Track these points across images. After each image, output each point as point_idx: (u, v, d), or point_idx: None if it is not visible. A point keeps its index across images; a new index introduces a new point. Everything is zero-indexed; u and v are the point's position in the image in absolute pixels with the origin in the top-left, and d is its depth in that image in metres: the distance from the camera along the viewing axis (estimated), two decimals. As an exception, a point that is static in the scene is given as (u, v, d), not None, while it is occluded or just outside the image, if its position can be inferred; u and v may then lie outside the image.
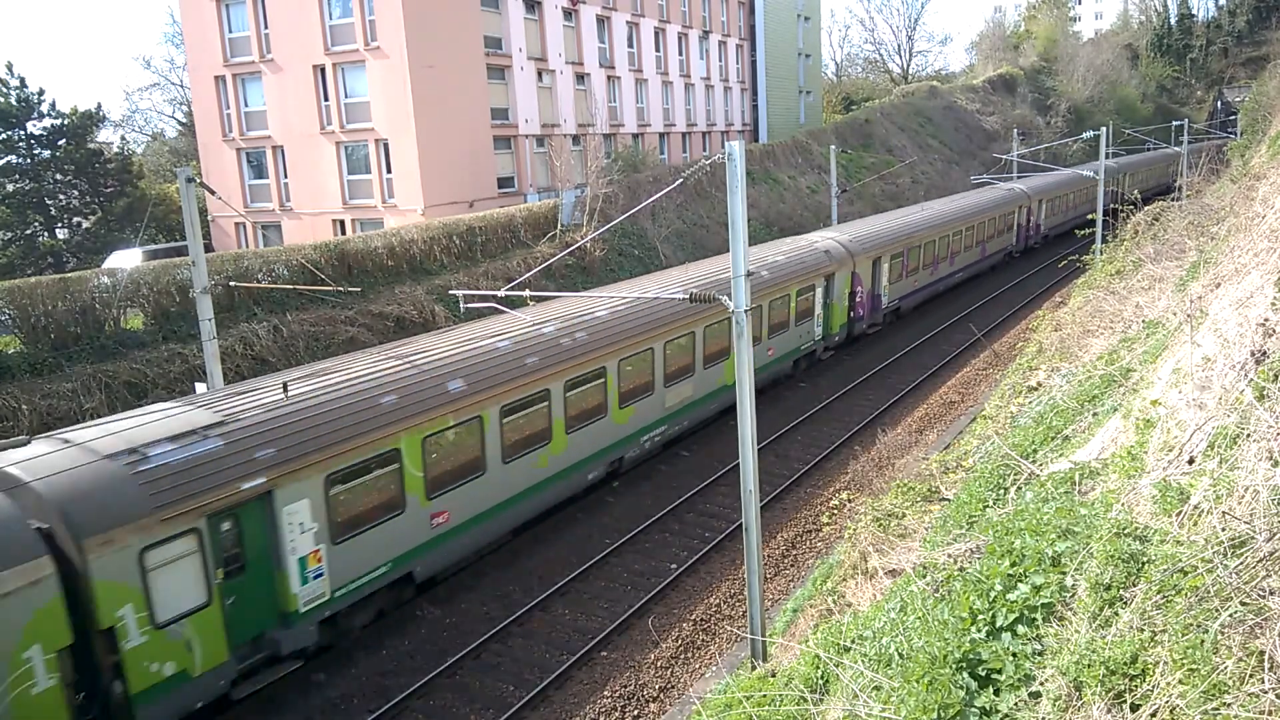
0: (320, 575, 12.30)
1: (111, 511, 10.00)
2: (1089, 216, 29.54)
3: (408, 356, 14.68)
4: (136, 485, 10.35)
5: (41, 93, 42.73)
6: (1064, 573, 5.67)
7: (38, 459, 10.28)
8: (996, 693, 4.93)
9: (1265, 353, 6.25)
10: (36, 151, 43.18)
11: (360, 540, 12.86)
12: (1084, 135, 41.01)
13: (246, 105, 38.43)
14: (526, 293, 14.12)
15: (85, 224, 45.28)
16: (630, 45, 48.97)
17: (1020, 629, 5.33)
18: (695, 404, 20.95)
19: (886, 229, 31.63)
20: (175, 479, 10.63)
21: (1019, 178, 49.82)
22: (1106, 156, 35.19)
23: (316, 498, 12.08)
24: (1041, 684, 4.86)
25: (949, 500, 11.41)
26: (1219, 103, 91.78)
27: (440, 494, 14.13)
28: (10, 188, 42.64)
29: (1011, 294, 38.97)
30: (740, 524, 12.99)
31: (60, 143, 43.24)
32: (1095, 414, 10.68)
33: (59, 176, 44.03)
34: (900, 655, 5.97)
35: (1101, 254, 25.54)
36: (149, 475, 10.49)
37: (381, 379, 13.70)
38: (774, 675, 8.63)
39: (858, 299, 28.66)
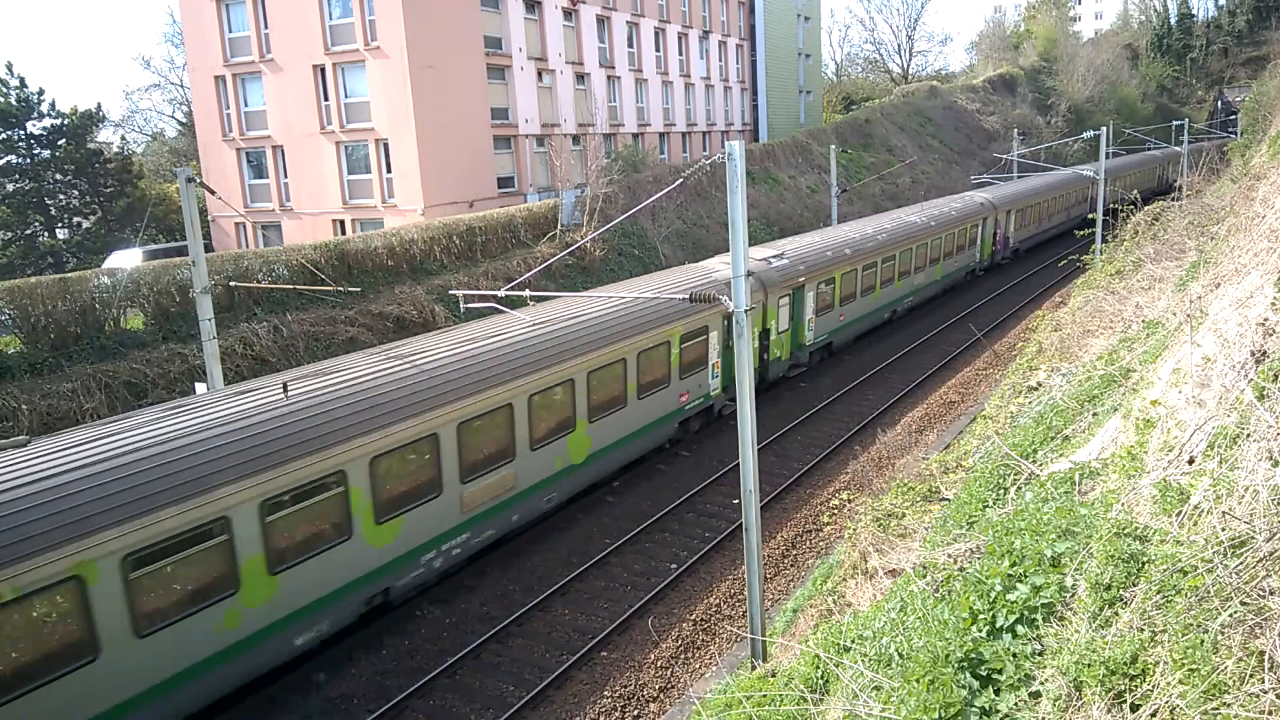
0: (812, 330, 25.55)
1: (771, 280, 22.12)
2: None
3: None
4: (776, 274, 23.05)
5: (41, 93, 42.80)
6: (1064, 573, 5.67)
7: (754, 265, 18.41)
8: (997, 693, 4.93)
9: (1265, 353, 6.25)
10: (36, 151, 43.21)
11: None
12: (1084, 135, 41.01)
13: (246, 105, 38.43)
14: (527, 293, 14.13)
15: (85, 224, 45.31)
16: (630, 45, 48.97)
17: (1020, 629, 5.33)
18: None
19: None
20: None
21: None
22: (1107, 157, 35.20)
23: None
24: (1041, 684, 4.86)
25: (949, 500, 11.42)
26: (1219, 103, 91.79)
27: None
28: (10, 188, 42.66)
29: (1006, 298, 38.94)
30: (740, 524, 12.99)
31: (60, 143, 43.27)
32: (1095, 414, 10.68)
33: (59, 176, 44.06)
34: (900, 655, 5.97)
35: (1101, 254, 25.55)
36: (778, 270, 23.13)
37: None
38: (774, 675, 8.64)
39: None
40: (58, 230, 44.59)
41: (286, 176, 38.14)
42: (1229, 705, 3.91)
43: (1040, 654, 5.12)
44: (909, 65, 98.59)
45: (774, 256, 24.61)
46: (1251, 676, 3.98)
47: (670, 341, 19.13)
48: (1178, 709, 4.10)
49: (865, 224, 32.55)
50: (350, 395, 12.94)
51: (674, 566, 15.97)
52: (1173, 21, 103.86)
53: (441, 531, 14.17)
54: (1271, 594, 4.26)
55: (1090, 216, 29.59)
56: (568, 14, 43.41)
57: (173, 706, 10.68)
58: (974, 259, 39.96)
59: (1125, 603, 5.07)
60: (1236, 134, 51.41)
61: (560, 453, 16.52)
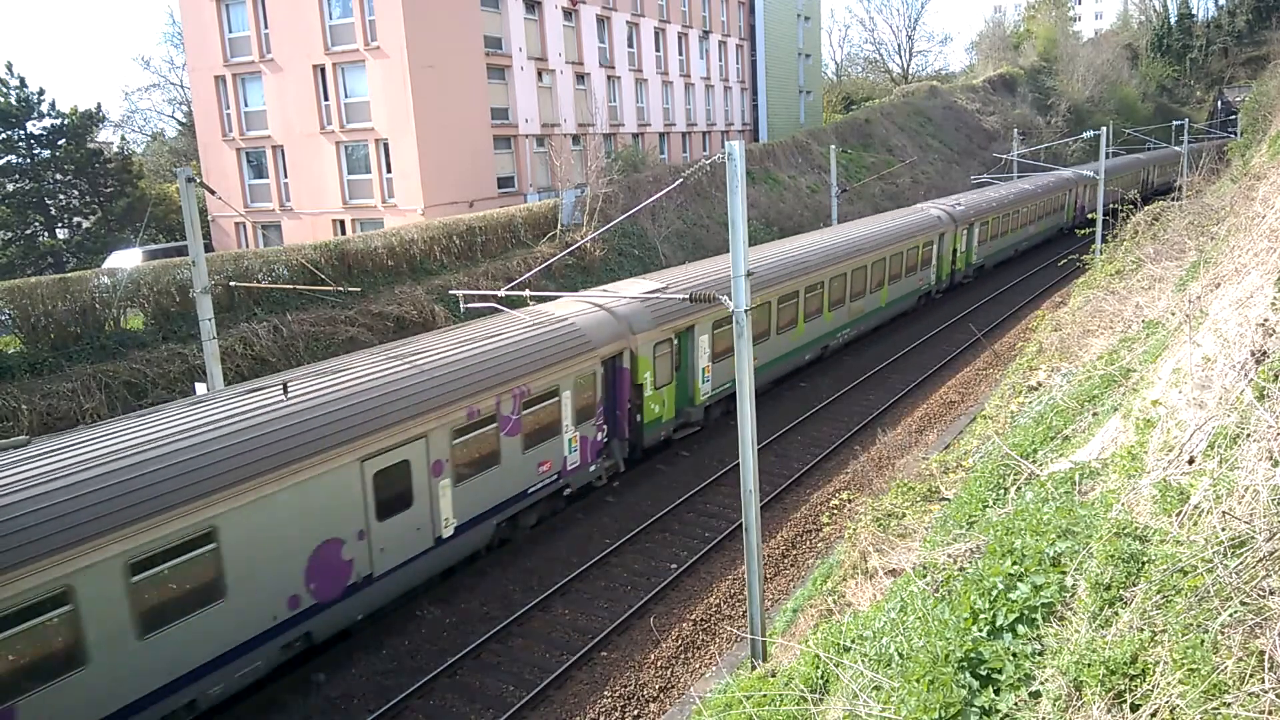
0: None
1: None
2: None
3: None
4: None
5: (41, 93, 42.82)
6: (1064, 573, 5.68)
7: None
8: (997, 692, 4.93)
9: (1265, 353, 6.25)
10: (36, 151, 43.23)
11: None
12: (1084, 135, 40.95)
13: (246, 105, 38.44)
14: (527, 293, 14.14)
15: (85, 224, 45.32)
16: (630, 45, 48.97)
17: (1020, 629, 5.33)
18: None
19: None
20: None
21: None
22: (1107, 157, 35.19)
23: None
24: (1041, 684, 4.86)
25: (949, 500, 11.42)
26: (1219, 103, 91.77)
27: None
28: (10, 188, 42.67)
29: (1006, 298, 38.93)
30: (740, 524, 12.99)
31: (60, 143, 43.28)
32: (1095, 414, 10.68)
33: (59, 176, 44.07)
34: (900, 655, 5.97)
35: (1101, 254, 25.55)
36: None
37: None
38: (774, 675, 8.64)
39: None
40: (58, 230, 44.59)
41: (286, 176, 38.15)
42: (1229, 705, 3.91)
43: (1040, 654, 5.12)
44: (909, 65, 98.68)
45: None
46: (1251, 676, 3.98)
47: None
48: (1178, 709, 4.10)
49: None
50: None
51: (674, 566, 15.98)
52: (1173, 21, 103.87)
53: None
54: (1271, 594, 4.26)
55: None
56: (568, 14, 43.42)
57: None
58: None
59: (1125, 603, 5.07)
60: (1236, 134, 51.31)
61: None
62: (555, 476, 16.82)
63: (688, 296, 11.93)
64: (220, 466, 11.08)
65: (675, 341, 20.02)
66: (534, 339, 16.47)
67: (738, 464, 11.87)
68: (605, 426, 18.18)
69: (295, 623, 12.09)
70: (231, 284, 21.56)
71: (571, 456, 17.16)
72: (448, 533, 14.40)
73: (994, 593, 5.64)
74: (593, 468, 17.90)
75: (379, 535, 13.10)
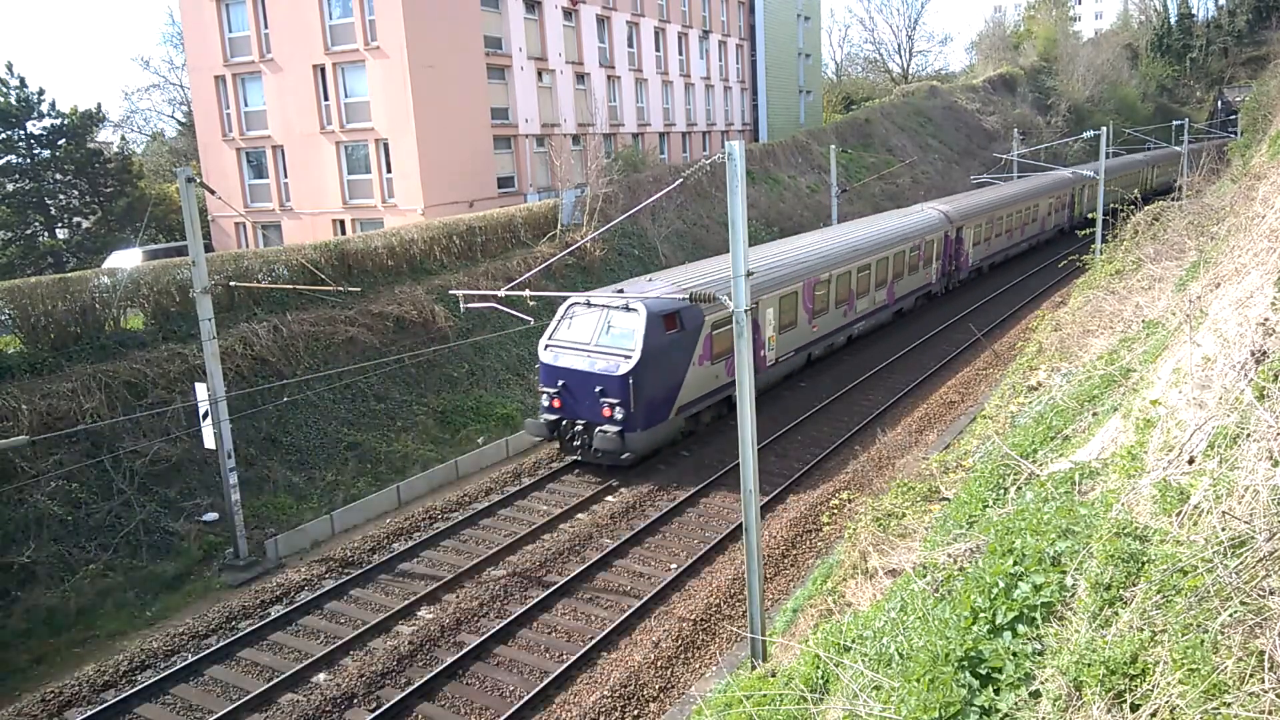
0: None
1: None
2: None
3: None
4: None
5: (41, 93, 42.78)
6: (1064, 572, 5.68)
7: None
8: (997, 692, 4.93)
9: (1265, 353, 6.25)
10: (36, 151, 43.20)
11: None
12: (1084, 135, 40.94)
13: (246, 105, 38.43)
14: (527, 293, 14.14)
15: (85, 224, 45.30)
16: (630, 45, 48.96)
17: (1020, 628, 5.33)
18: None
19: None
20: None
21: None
22: (1107, 156, 35.18)
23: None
24: (1041, 683, 4.86)
25: (949, 500, 11.42)
26: (1219, 103, 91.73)
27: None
28: (10, 188, 42.66)
29: (1006, 298, 38.92)
30: (740, 524, 12.99)
31: (60, 143, 43.27)
32: (1095, 414, 10.68)
33: (59, 176, 44.05)
34: (900, 655, 5.97)
35: (1101, 254, 25.54)
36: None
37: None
38: (774, 675, 8.64)
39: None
40: (58, 230, 44.58)
41: (286, 176, 38.14)
42: (1229, 705, 3.91)
43: (1040, 653, 5.12)
44: (909, 65, 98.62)
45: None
46: (1251, 676, 3.99)
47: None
48: (1178, 709, 4.10)
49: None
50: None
51: (674, 566, 15.98)
52: (1173, 21, 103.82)
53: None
54: (1271, 594, 4.26)
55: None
56: (568, 14, 43.41)
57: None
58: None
59: (1125, 603, 5.07)
60: (1236, 134, 51.28)
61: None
62: (924, 286, 33.87)
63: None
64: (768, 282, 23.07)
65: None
66: (916, 222, 33.79)
67: (738, 464, 11.87)
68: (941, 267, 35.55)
69: (759, 367, 23.14)
70: (231, 284, 21.55)
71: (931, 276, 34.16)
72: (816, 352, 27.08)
73: (994, 592, 5.64)
74: (936, 286, 35.08)
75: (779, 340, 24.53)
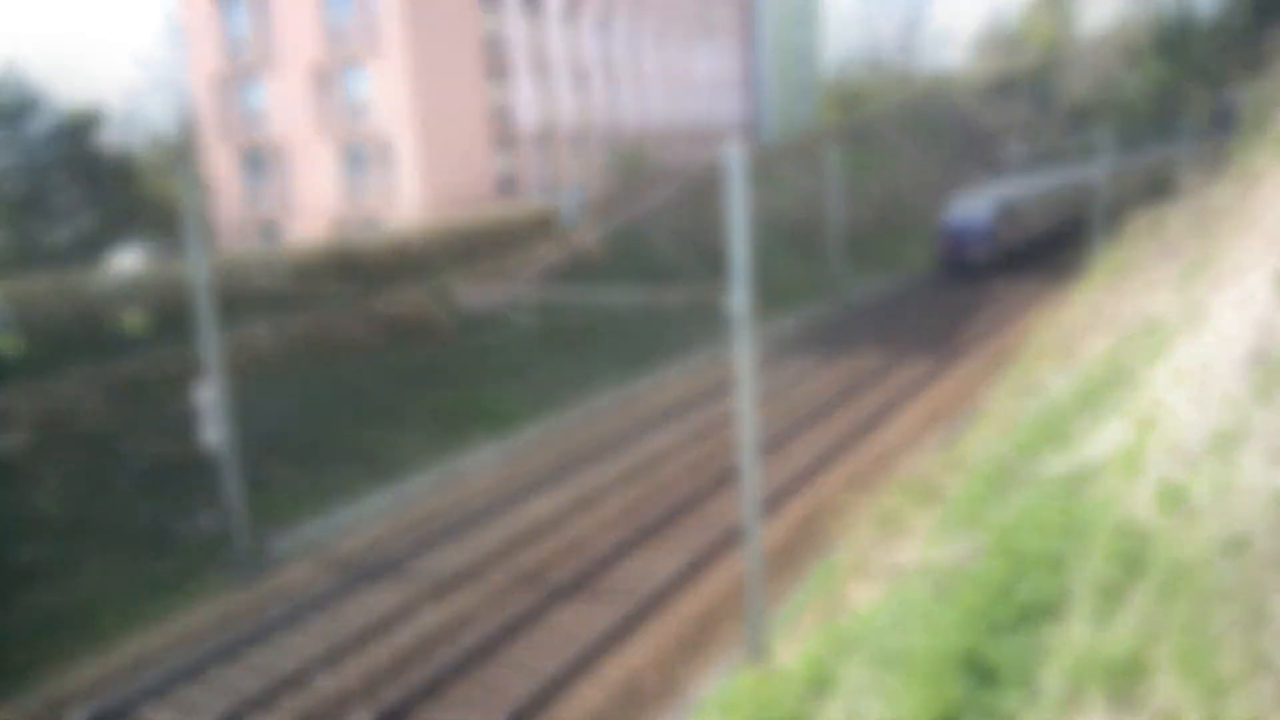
0: None
1: None
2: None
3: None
4: None
5: (41, 93, 42.78)
6: (1064, 572, 5.68)
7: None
8: (997, 691, 4.93)
9: (1265, 353, 6.25)
10: (36, 151, 43.17)
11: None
12: (1084, 135, 41.06)
13: (246, 105, 38.43)
14: (526, 293, 14.12)
15: (85, 224, 45.27)
16: (630, 45, 48.95)
17: (1021, 628, 5.33)
18: None
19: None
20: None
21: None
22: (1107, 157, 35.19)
23: None
24: (1042, 682, 4.86)
25: (949, 500, 11.42)
26: (1219, 103, 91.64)
27: None
28: (10, 188, 42.63)
29: (1006, 298, 38.90)
30: (740, 524, 12.98)
31: (60, 143, 43.24)
32: (1095, 414, 10.68)
33: (59, 176, 44.02)
34: (901, 654, 5.97)
35: (1101, 254, 25.55)
36: None
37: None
38: (774, 675, 8.63)
39: None
40: (58, 230, 44.55)
41: (286, 176, 38.14)
42: (1229, 705, 3.91)
43: (1040, 653, 5.12)
44: (909, 65, 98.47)
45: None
46: (1251, 676, 3.99)
47: None
48: (1178, 709, 4.10)
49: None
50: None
51: (674, 566, 15.97)
52: (1173, 22, 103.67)
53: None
54: (1271, 594, 4.26)
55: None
56: (568, 14, 43.41)
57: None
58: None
59: (1125, 603, 5.07)
60: (1237, 134, 51.23)
61: None
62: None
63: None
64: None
65: None
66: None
67: (738, 464, 11.87)
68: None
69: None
70: (231, 284, 21.54)
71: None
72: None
73: (995, 592, 5.64)
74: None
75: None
